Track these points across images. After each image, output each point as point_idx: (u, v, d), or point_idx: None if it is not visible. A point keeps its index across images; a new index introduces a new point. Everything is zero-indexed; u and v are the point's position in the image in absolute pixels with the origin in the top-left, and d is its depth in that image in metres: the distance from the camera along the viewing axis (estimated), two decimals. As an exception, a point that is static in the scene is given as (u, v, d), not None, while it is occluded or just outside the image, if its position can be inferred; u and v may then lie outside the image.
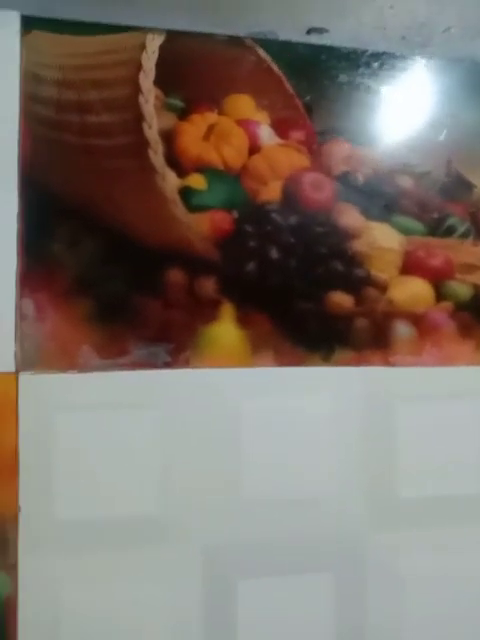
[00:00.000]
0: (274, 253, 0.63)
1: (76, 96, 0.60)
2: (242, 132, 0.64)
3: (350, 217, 0.65)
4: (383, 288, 0.65)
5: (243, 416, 0.61)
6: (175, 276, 0.61)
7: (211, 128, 0.63)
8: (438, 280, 0.67)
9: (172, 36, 0.62)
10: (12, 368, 0.57)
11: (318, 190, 0.65)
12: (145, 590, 0.58)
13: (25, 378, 0.57)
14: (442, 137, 0.69)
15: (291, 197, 0.64)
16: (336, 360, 0.64)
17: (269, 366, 0.62)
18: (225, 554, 0.60)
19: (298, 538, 0.61)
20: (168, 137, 0.62)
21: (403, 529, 0.63)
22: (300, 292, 0.64)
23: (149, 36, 0.61)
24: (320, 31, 0.65)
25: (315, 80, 0.66)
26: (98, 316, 0.59)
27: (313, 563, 0.62)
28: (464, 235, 0.69)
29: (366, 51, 0.67)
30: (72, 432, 0.57)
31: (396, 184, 0.68)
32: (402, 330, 0.65)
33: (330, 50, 0.67)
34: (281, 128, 0.65)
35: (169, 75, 0.62)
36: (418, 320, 0.66)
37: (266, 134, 0.65)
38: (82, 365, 0.58)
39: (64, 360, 0.58)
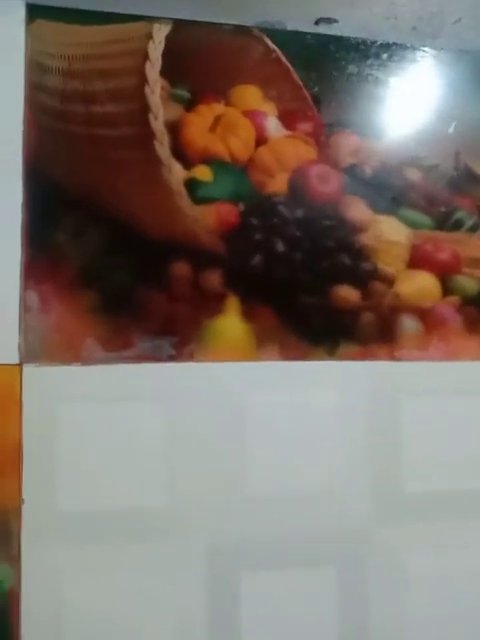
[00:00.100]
0: (280, 246, 0.63)
1: (81, 86, 0.59)
2: (249, 123, 0.63)
3: (357, 210, 0.65)
4: (390, 282, 0.65)
5: (247, 410, 0.61)
6: (180, 269, 0.60)
7: (218, 119, 0.63)
8: (445, 274, 0.67)
9: (179, 26, 0.61)
10: (16, 360, 0.57)
11: (325, 183, 0.65)
12: (148, 583, 0.58)
13: (29, 370, 0.57)
14: (451, 130, 0.69)
15: (298, 190, 0.64)
16: (342, 354, 0.63)
17: (274, 360, 0.62)
18: (229, 548, 0.60)
19: (302, 532, 0.61)
20: (174, 128, 0.61)
21: (408, 524, 0.63)
22: (306, 286, 0.63)
23: (156, 26, 0.61)
24: (329, 21, 0.64)
25: (323, 71, 0.66)
26: (102, 308, 0.59)
27: (317, 557, 0.61)
28: (472, 229, 0.68)
29: (375, 42, 0.67)
30: (76, 424, 0.57)
31: (404, 177, 0.67)
32: (408, 324, 0.65)
33: (339, 40, 0.66)
34: (288, 119, 0.65)
35: (175, 65, 0.61)
36: (425, 314, 0.66)
37: (273, 126, 0.64)
38: (86, 357, 0.58)
39: (68, 352, 0.58)
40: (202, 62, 0.63)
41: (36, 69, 0.59)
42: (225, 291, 0.61)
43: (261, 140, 0.64)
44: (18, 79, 0.58)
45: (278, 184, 0.63)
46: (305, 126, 0.65)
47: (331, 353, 0.63)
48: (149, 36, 0.60)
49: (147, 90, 0.60)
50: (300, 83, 0.65)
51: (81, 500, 0.57)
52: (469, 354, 0.66)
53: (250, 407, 0.61)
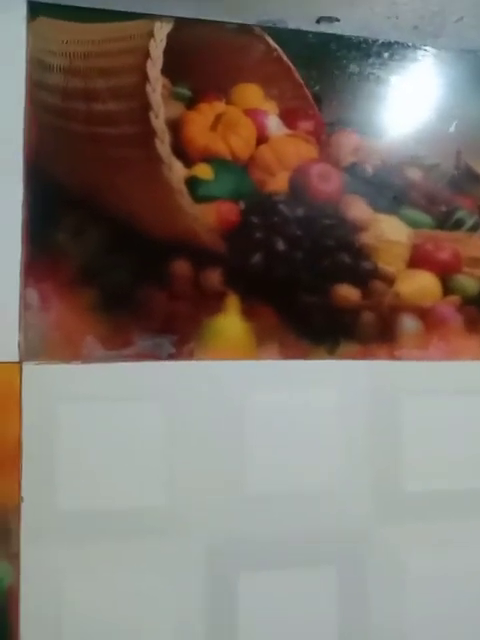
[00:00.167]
0: (280, 245, 0.63)
1: (82, 84, 0.59)
2: (250, 122, 0.63)
3: (358, 209, 0.65)
4: (390, 281, 0.65)
5: (247, 409, 0.60)
6: (180, 267, 0.60)
7: (219, 118, 0.63)
8: (445, 274, 0.67)
9: (180, 24, 0.61)
10: (16, 358, 0.56)
11: (326, 181, 0.64)
12: (147, 582, 0.58)
13: (29, 368, 0.57)
14: (452, 129, 0.68)
15: (298, 188, 0.64)
16: (341, 353, 0.63)
17: (274, 359, 0.62)
18: (228, 547, 0.60)
19: (302, 531, 0.61)
20: (175, 126, 0.61)
21: (408, 523, 0.63)
22: (306, 285, 0.63)
23: (157, 24, 0.61)
24: (330, 20, 0.64)
25: (324, 70, 0.65)
26: (103, 307, 0.59)
27: (317, 557, 0.61)
28: (473, 229, 0.68)
29: (377, 41, 0.67)
30: (75, 423, 0.57)
31: (405, 176, 0.67)
32: (409, 324, 0.65)
33: (340, 39, 0.66)
34: (289, 118, 0.64)
35: (177, 64, 0.61)
36: (425, 314, 0.65)
37: (274, 124, 0.64)
38: (86, 356, 0.58)
39: (68, 350, 0.58)
40: (203, 60, 0.63)
41: (37, 66, 0.58)
42: (225, 290, 0.61)
43: (262, 139, 0.63)
44: (19, 76, 0.58)
45: (279, 183, 0.63)
46: (306, 125, 0.65)
47: (331, 352, 0.63)
48: (150, 34, 0.60)
49: (148, 88, 0.60)
50: (301, 82, 0.65)
51: (80, 498, 0.57)
52: (469, 354, 0.66)
53: (250, 406, 0.60)
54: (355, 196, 0.65)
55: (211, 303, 0.61)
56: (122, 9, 0.60)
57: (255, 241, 0.62)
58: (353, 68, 0.66)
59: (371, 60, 0.67)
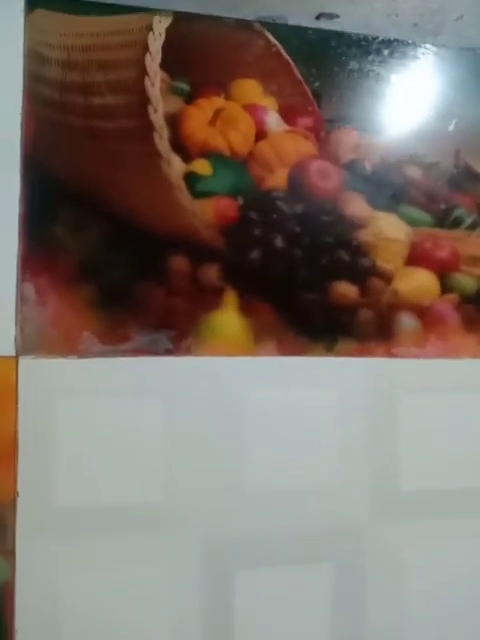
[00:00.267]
0: (279, 241, 0.62)
1: (81, 77, 0.59)
2: (249, 117, 0.63)
3: (356, 206, 0.65)
4: (388, 279, 0.65)
5: (244, 405, 0.60)
6: (178, 263, 0.60)
7: (217, 113, 0.62)
8: (444, 272, 0.66)
9: (179, 18, 0.61)
10: (12, 352, 0.56)
11: (325, 178, 0.64)
12: (143, 578, 0.58)
13: (25, 363, 0.56)
14: (451, 127, 0.68)
15: (297, 185, 0.63)
16: (339, 351, 0.63)
17: (271, 355, 0.62)
18: (225, 543, 0.59)
19: (299, 529, 0.61)
20: (174, 121, 0.61)
21: (405, 521, 0.63)
22: (304, 281, 0.63)
23: (156, 18, 0.60)
24: (330, 16, 0.64)
25: (324, 66, 0.65)
26: (100, 302, 0.58)
27: (313, 554, 0.61)
28: (471, 227, 0.68)
29: (377, 38, 0.66)
30: (72, 418, 0.57)
31: (404, 174, 0.67)
32: (406, 322, 0.65)
33: (340, 36, 0.66)
34: (289, 114, 0.64)
35: (176, 58, 0.61)
36: (423, 312, 0.65)
37: (273, 120, 0.64)
38: (83, 351, 0.58)
39: (65, 345, 0.57)
40: (203, 55, 0.63)
41: (35, 60, 0.58)
42: (223, 285, 0.61)
43: (261, 134, 0.63)
44: (17, 70, 0.58)
45: (278, 179, 0.63)
46: (305, 121, 0.65)
47: (329, 349, 0.63)
48: (149, 28, 0.60)
49: (147, 82, 0.59)
50: (301, 78, 0.65)
51: (76, 494, 0.57)
52: (467, 352, 0.66)
53: (247, 402, 0.60)
54: (354, 193, 0.65)
55: (209, 299, 0.60)
56: (121, 2, 0.60)
57: (253, 237, 0.62)
58: (353, 65, 0.66)
59: (371, 57, 0.67)
